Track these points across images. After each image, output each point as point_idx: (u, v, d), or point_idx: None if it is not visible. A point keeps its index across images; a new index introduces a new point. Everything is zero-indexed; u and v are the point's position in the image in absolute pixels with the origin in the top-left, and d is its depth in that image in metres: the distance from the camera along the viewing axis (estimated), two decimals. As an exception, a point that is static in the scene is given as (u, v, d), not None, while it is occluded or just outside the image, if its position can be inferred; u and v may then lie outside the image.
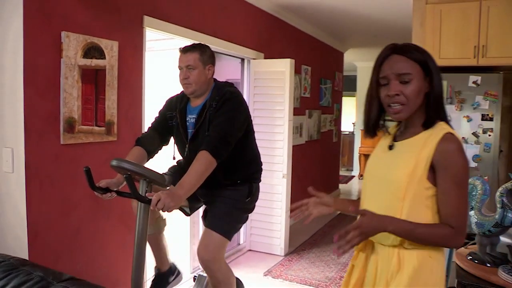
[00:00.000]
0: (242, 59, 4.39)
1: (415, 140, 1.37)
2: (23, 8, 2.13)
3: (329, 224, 5.50)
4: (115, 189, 2.12)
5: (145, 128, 2.93)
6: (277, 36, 4.85)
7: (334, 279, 3.69)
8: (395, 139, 1.46)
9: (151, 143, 2.35)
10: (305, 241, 4.74)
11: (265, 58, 4.50)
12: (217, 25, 3.72)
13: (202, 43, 2.39)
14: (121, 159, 1.98)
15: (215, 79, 2.37)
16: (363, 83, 9.10)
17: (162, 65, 4.19)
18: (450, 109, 3.75)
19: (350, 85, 9.16)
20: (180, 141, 2.34)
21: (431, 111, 1.37)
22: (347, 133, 9.97)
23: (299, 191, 4.86)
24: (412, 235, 1.31)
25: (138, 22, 2.84)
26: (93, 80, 2.52)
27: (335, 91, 6.96)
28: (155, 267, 2.55)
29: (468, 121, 3.71)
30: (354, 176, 9.37)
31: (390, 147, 1.43)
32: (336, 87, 7.00)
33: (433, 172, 1.31)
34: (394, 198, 1.35)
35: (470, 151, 3.70)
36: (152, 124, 2.42)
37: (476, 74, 3.66)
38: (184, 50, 2.29)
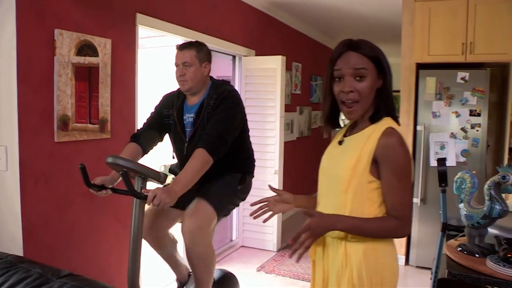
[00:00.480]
0: (234, 56, 4.41)
1: (361, 134, 1.41)
2: (15, 5, 2.13)
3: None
4: (110, 186, 2.14)
5: (139, 125, 2.94)
6: (268, 33, 4.87)
7: (326, 273, 3.74)
8: (345, 134, 1.51)
9: (146, 139, 2.36)
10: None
11: (256, 55, 4.52)
12: (209, 22, 3.73)
13: (198, 41, 2.40)
14: (117, 156, 2.00)
15: (211, 77, 2.39)
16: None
17: (153, 62, 4.20)
18: (439, 105, 3.82)
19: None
20: (178, 140, 2.35)
21: (380, 106, 1.41)
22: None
23: (290, 187, 4.89)
24: (361, 230, 1.34)
25: (130, 19, 2.85)
26: (86, 77, 2.53)
27: (326, 88, 7.01)
28: (176, 279, 2.61)
29: (456, 117, 3.78)
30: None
31: (340, 142, 1.47)
32: (327, 83, 7.05)
33: (376, 166, 1.35)
34: (339, 192, 1.38)
35: (459, 146, 3.78)
36: (147, 120, 2.43)
37: (464, 70, 3.73)
38: (181, 47, 2.30)
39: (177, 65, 2.29)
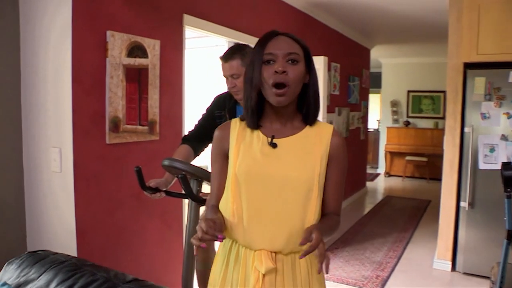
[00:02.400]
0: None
1: (304, 136, 1.34)
2: (71, 7, 2.14)
3: (359, 222, 5.45)
4: (164, 189, 2.12)
5: (186, 127, 2.93)
6: (307, 33, 4.80)
7: (370, 277, 3.65)
8: (264, 134, 1.35)
9: (198, 141, 2.34)
10: (337, 239, 4.70)
11: (296, 55, 4.45)
12: (250, 22, 3.70)
13: (239, 43, 2.33)
14: (173, 158, 1.98)
15: None
16: (388, 80, 9.00)
17: (194, 63, 4.19)
18: (489, 106, 3.66)
19: (374, 82, 9.06)
20: None
21: (312, 106, 1.35)
22: (372, 130, 9.87)
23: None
24: (328, 233, 1.30)
25: (178, 20, 2.84)
26: (136, 79, 2.52)
27: (362, 88, 6.89)
28: None
29: (508, 118, 3.61)
30: (379, 174, 9.28)
31: (274, 145, 1.31)
32: (363, 84, 6.93)
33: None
34: (304, 198, 1.29)
35: (510, 148, 3.61)
36: (198, 121, 2.40)
37: (517, 69, 3.56)
38: (225, 59, 2.19)
39: (225, 77, 2.22)
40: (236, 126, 1.39)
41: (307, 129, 1.36)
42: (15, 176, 2.37)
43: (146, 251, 2.73)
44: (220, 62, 2.24)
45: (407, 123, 8.78)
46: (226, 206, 1.35)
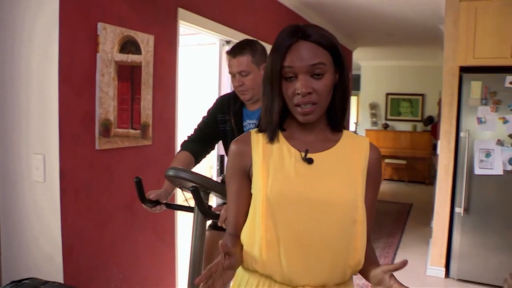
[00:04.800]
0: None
1: (339, 150, 1.15)
2: (59, -5, 1.87)
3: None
4: (164, 201, 1.89)
5: (179, 131, 2.69)
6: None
7: (365, 286, 3.52)
8: (296, 147, 1.15)
9: (199, 147, 2.11)
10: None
11: (286, 55, 4.29)
12: (245, 20, 3.50)
13: (249, 39, 2.13)
14: (179, 168, 1.75)
15: None
16: (367, 82, 8.99)
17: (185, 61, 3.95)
18: (485, 111, 3.61)
19: (353, 84, 9.03)
20: None
21: (338, 111, 1.14)
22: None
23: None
24: None
25: (172, 14, 2.60)
26: (129, 77, 2.27)
27: (344, 91, 6.83)
28: None
29: (504, 123, 3.56)
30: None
31: (310, 160, 1.12)
32: (346, 86, 6.86)
33: None
34: (349, 221, 1.10)
35: (506, 153, 3.57)
36: (198, 125, 2.17)
37: (513, 74, 3.52)
38: (233, 54, 1.99)
39: (232, 74, 2.01)
40: (258, 138, 1.16)
41: (342, 141, 1.16)
42: (-11, 187, 2.07)
43: (138, 268, 2.48)
44: (227, 58, 2.04)
45: (385, 126, 8.79)
46: (253, 235, 1.12)
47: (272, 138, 1.14)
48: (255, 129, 1.20)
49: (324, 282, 1.11)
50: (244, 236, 1.16)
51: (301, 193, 1.09)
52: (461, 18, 3.64)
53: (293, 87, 1.07)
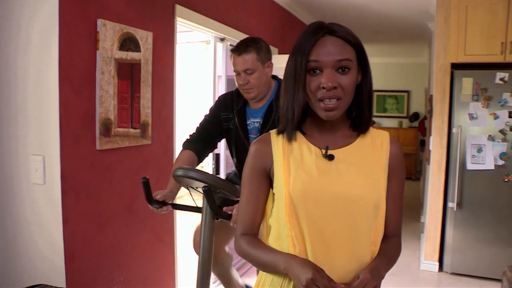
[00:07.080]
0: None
1: (359, 146, 1.15)
2: (59, -10, 1.81)
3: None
4: (170, 202, 1.85)
5: (177, 130, 2.65)
6: (288, 31, 4.63)
7: (364, 285, 3.53)
8: (315, 144, 1.15)
9: (202, 146, 2.08)
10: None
11: (278, 53, 4.27)
12: (239, 17, 3.46)
13: (253, 37, 2.10)
14: (188, 167, 1.72)
15: (273, 75, 2.11)
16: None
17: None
18: (476, 107, 3.66)
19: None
20: (240, 147, 2.06)
21: (365, 111, 1.15)
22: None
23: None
24: (387, 266, 1.14)
25: (170, 11, 2.55)
26: (128, 75, 2.22)
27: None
28: None
29: (494, 119, 3.62)
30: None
31: (331, 157, 1.11)
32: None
33: None
34: (372, 216, 1.11)
35: (497, 148, 3.63)
36: (201, 124, 2.13)
37: (503, 70, 3.58)
38: (238, 51, 1.96)
39: (237, 72, 1.98)
40: (278, 138, 1.16)
41: (362, 137, 1.16)
42: (-16, 190, 1.99)
43: (138, 269, 2.42)
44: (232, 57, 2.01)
45: (372, 122, 8.86)
46: (280, 236, 1.11)
47: (291, 136, 1.13)
48: (275, 130, 1.19)
49: (350, 279, 1.08)
50: (272, 238, 1.15)
51: (323, 190, 1.08)
52: (452, 16, 3.68)
53: (318, 81, 1.06)
